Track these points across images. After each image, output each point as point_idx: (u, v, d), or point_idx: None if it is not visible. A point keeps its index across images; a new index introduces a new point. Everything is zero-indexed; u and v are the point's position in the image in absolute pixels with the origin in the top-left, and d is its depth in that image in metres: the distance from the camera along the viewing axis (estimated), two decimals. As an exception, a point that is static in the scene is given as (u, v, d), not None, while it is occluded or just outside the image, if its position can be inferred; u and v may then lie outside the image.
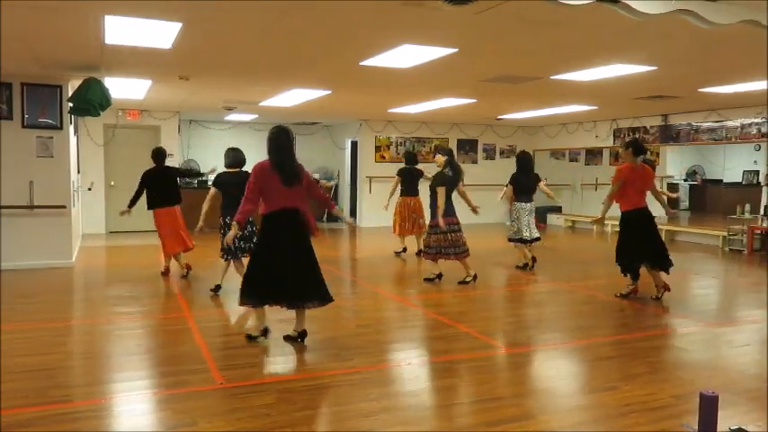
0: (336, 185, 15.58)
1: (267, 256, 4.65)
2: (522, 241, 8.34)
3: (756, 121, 10.38)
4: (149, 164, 7.58)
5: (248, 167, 8.26)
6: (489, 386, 4.03)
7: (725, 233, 10.84)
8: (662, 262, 6.41)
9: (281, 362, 4.53)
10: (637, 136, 6.56)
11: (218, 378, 4.06)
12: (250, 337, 4.89)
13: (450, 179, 7.12)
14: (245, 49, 6.15)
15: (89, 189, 11.54)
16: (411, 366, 4.42)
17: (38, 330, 5.21)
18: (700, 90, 8.64)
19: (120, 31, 5.31)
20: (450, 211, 7.15)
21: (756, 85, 8.13)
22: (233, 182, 6.34)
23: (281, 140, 4.63)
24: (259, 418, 3.44)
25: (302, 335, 4.81)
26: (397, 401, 3.73)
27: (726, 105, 10.45)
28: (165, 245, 7.52)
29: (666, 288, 6.42)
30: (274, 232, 4.65)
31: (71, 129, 8.54)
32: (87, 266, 7.81)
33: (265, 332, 4.88)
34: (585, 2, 3.69)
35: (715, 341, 5.25)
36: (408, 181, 9.25)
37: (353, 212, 15.01)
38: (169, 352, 4.61)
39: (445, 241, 7.12)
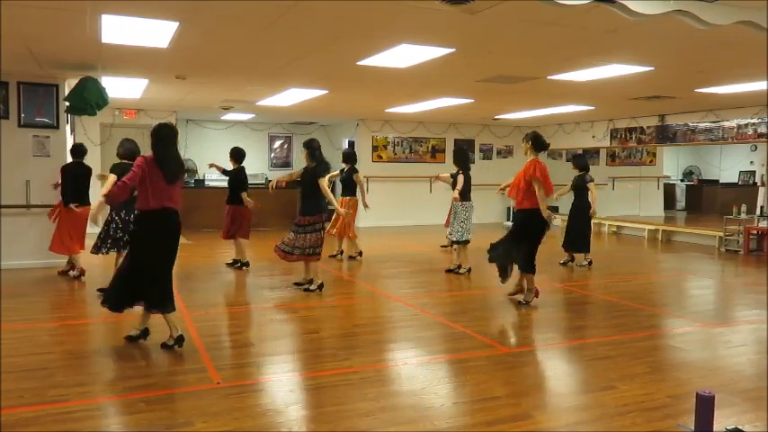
0: (333, 185, 15.56)
1: (142, 259, 4.54)
2: (466, 243, 7.96)
3: (753, 121, 10.41)
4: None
5: (247, 166, 8.50)
6: (487, 386, 4.03)
7: (721, 233, 10.88)
8: (525, 267, 6.26)
9: (277, 362, 4.52)
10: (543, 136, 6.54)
11: (215, 378, 4.05)
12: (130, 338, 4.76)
13: (307, 173, 6.67)
14: (242, 49, 6.14)
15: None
16: (409, 366, 4.42)
17: (34, 330, 5.19)
18: (696, 90, 8.66)
19: (117, 30, 5.30)
20: (302, 209, 6.74)
21: (753, 86, 8.15)
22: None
23: (164, 136, 4.54)
24: (256, 417, 3.44)
25: (178, 340, 4.59)
26: (396, 401, 3.73)
27: (722, 106, 10.48)
28: (78, 243, 7.33)
29: (536, 294, 6.27)
30: (153, 232, 4.54)
31: (68, 128, 8.51)
32: (84, 266, 7.75)
33: (145, 334, 4.75)
34: (582, 2, 3.69)
35: (712, 341, 5.26)
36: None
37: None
38: (166, 351, 4.60)
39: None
